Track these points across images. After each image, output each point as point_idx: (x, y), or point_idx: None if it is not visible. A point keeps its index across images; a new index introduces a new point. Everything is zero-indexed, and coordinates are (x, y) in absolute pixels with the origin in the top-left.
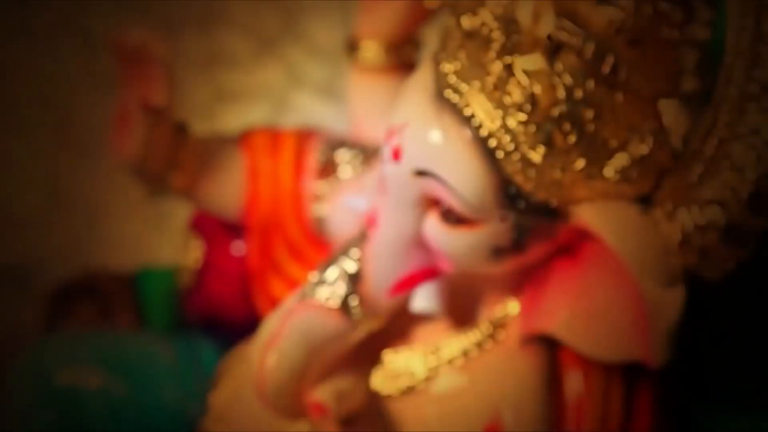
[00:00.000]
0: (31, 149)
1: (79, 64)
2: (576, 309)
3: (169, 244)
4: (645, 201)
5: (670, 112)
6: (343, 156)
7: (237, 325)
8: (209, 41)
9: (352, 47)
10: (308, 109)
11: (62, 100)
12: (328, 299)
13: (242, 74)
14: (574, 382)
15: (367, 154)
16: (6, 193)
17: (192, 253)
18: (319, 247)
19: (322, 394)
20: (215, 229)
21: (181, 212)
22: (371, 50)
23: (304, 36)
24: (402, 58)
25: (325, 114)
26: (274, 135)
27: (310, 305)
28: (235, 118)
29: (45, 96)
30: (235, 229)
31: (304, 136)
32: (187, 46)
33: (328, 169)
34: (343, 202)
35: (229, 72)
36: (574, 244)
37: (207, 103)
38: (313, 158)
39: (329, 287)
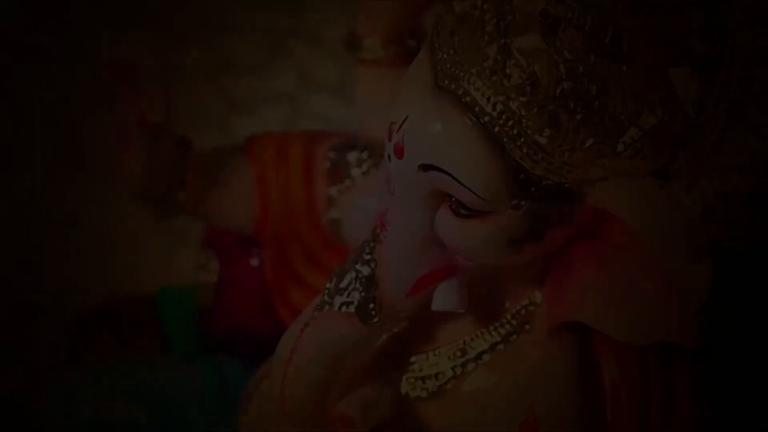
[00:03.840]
0: (47, 178)
1: (93, 88)
2: (602, 292)
3: (190, 262)
4: (662, 175)
5: (679, 78)
6: (354, 157)
7: (262, 341)
8: (218, 51)
9: (351, 44)
10: (324, 110)
11: (76, 125)
12: (344, 306)
13: (254, 80)
14: (608, 369)
15: (379, 152)
16: (24, 225)
17: (209, 270)
18: (336, 253)
19: (348, 406)
20: (230, 243)
21: (199, 229)
22: (370, 45)
23: (313, 36)
24: (405, 50)
25: (343, 114)
26: (280, 142)
27: (326, 315)
28: (250, 126)
29: (58, 122)
30: (250, 242)
31: (312, 141)
32: (196, 57)
33: (339, 171)
34: (356, 204)
35: (240, 79)
36: (594, 226)
37: (221, 113)
38: (323, 162)
39: (345, 294)
